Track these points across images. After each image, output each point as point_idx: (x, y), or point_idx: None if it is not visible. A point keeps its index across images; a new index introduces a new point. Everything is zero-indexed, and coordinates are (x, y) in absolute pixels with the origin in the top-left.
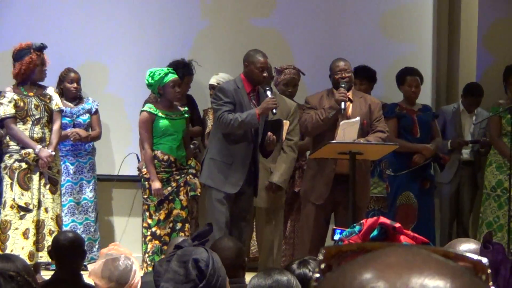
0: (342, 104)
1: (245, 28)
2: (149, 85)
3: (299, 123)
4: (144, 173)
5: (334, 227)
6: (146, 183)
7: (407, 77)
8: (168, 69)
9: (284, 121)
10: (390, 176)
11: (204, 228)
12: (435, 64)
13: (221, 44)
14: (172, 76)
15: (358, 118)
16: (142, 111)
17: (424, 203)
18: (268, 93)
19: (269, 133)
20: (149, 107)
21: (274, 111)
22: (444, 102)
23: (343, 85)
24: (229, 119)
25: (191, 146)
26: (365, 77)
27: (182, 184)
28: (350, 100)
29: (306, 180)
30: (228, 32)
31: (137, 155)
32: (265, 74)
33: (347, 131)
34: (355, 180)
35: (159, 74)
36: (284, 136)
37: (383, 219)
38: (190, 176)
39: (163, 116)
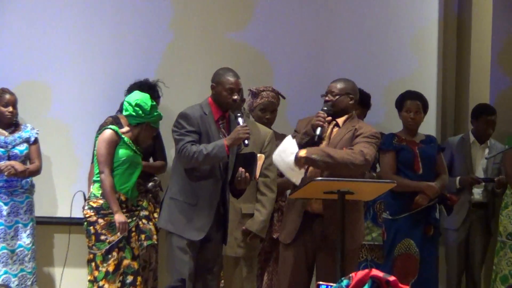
0: (318, 129)
1: (218, 43)
2: (142, 110)
3: None
4: (87, 215)
5: (319, 283)
6: (91, 227)
7: (407, 102)
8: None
9: (259, 155)
10: (387, 220)
11: (175, 284)
12: (441, 87)
13: (190, 61)
14: (158, 125)
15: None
16: (105, 128)
17: (428, 253)
18: (239, 120)
19: (240, 169)
20: (115, 129)
21: (246, 142)
22: (451, 132)
23: (325, 108)
24: (192, 152)
25: (151, 183)
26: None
27: (133, 229)
28: (338, 125)
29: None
30: (198, 47)
31: (83, 193)
32: (235, 97)
33: (288, 161)
34: (344, 225)
35: (158, 114)
36: (258, 173)
37: (375, 272)
38: (143, 221)
39: (128, 143)
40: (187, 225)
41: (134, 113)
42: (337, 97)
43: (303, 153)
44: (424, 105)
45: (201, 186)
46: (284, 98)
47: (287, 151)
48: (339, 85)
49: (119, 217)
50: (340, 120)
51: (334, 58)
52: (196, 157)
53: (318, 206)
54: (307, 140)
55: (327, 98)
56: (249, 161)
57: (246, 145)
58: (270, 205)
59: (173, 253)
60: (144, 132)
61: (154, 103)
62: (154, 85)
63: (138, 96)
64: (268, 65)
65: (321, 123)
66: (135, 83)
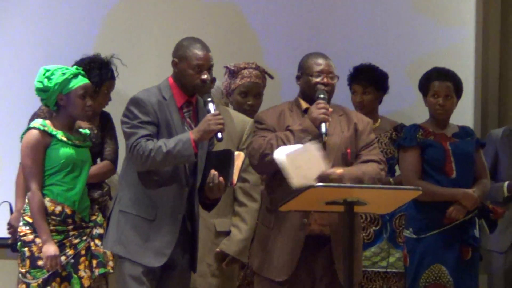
0: (323, 125)
1: (184, 3)
2: (42, 91)
3: (247, 152)
4: (22, 233)
5: None
6: (26, 249)
7: (434, 83)
8: (76, 69)
9: (237, 153)
10: (410, 240)
11: None
12: (480, 63)
13: (147, 28)
14: (82, 81)
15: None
16: (29, 128)
17: (465, 283)
18: (210, 106)
19: (212, 172)
20: (43, 124)
21: (219, 135)
22: (494, 122)
23: (321, 95)
24: (148, 149)
25: (98, 192)
26: (370, 82)
27: (83, 252)
28: None
29: (261, 244)
30: (158, 9)
31: (10, 204)
32: (204, 77)
33: (304, 168)
34: (352, 247)
35: (63, 74)
36: (236, 177)
37: None
38: (97, 242)
39: (64, 139)
40: (142, 247)
41: (43, 99)
42: (335, 80)
43: (339, 171)
44: (457, 87)
45: (160, 195)
46: (272, 78)
47: (311, 161)
48: (330, 63)
49: (47, 249)
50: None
51: (340, 24)
52: (153, 157)
53: (320, 227)
54: (309, 139)
55: (326, 81)
56: (223, 161)
57: (220, 140)
58: (251, 218)
59: (125, 284)
60: (71, 107)
61: (51, 69)
62: (107, 63)
63: (35, 80)
64: (252, 32)
65: (327, 116)
66: (83, 59)
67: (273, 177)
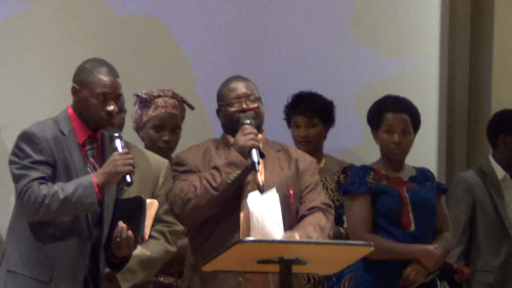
0: (254, 153)
1: (98, 17)
2: None
3: (167, 199)
4: None
5: None
6: None
7: (387, 116)
8: None
9: (149, 200)
10: None
11: None
12: (445, 90)
13: (49, 47)
14: None
15: (274, 190)
16: None
17: None
18: (117, 143)
19: (120, 224)
20: None
21: (128, 178)
22: (462, 163)
23: (247, 121)
24: (41, 195)
25: None
26: (316, 112)
27: None
28: (261, 153)
29: None
30: (63, 24)
31: None
32: (110, 108)
33: (265, 216)
34: None
35: None
36: (148, 230)
37: None
38: None
39: None
40: None
41: None
42: (258, 103)
43: (294, 236)
44: (414, 120)
45: (57, 252)
46: (192, 108)
47: (269, 216)
48: (250, 85)
49: None
50: (261, 138)
51: (283, 43)
52: (47, 204)
53: None
54: (240, 173)
55: (247, 106)
56: (134, 211)
57: (129, 184)
58: (159, 250)
59: None
60: None
61: None
62: None
63: None
64: (178, 49)
65: (257, 143)
66: None
67: (201, 229)
